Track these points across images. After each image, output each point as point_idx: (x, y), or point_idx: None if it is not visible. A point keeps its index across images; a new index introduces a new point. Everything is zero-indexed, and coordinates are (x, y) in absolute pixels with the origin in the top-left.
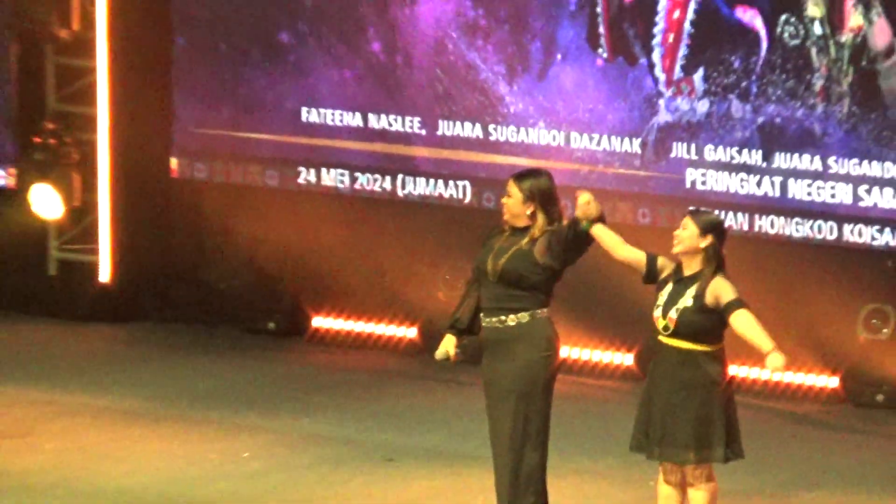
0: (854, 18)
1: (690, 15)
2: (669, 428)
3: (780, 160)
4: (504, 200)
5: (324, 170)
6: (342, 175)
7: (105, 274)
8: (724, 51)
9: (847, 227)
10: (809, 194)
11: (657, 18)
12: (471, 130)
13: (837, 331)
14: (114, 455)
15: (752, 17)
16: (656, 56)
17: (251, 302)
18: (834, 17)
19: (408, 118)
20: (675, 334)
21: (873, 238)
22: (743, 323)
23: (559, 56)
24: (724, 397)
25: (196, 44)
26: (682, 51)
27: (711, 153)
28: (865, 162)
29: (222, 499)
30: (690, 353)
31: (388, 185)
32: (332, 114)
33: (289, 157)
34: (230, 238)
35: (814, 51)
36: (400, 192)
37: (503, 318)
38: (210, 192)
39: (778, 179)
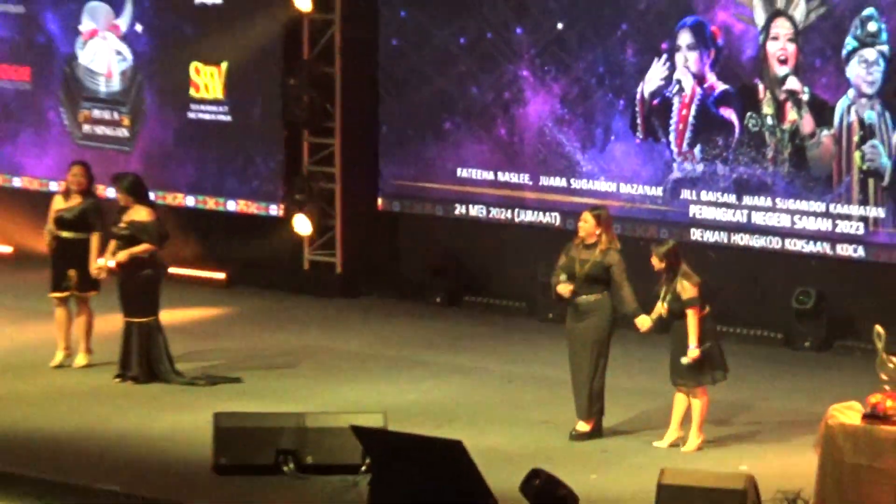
0: (791, 114)
1: (693, 112)
2: (686, 366)
3: (747, 200)
4: (581, 224)
5: (470, 206)
6: (482, 209)
7: (339, 267)
8: (712, 134)
9: (787, 241)
10: (765, 220)
11: (672, 114)
12: (559, 182)
13: (781, 304)
14: (343, 379)
15: (730, 114)
16: (672, 137)
17: (428, 285)
18: (779, 113)
19: (521, 174)
20: (671, 314)
21: (803, 248)
22: (688, 321)
23: (613, 137)
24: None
25: (393, 129)
26: (688, 134)
27: (705, 195)
28: (799, 201)
29: (409, 407)
30: (685, 322)
31: (509, 215)
32: (476, 171)
33: (449, 198)
34: (415, 246)
35: (767, 134)
36: (516, 220)
37: (586, 296)
38: (402, 220)
39: (745, 212)
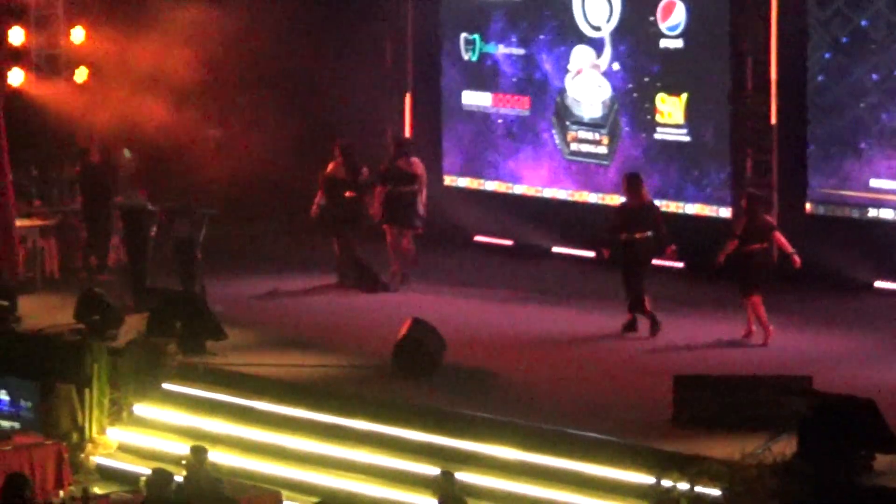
0: None
1: None
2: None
3: None
4: None
5: (882, 209)
6: (891, 212)
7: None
8: None
9: None
10: None
11: None
12: None
13: None
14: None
15: None
16: None
17: (849, 274)
18: None
19: None
20: None
21: None
22: None
23: None
24: None
25: (819, 147)
26: None
27: None
28: None
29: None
30: None
31: None
32: (886, 182)
33: (864, 203)
34: (837, 244)
35: None
36: None
37: None
38: (825, 222)
39: None
